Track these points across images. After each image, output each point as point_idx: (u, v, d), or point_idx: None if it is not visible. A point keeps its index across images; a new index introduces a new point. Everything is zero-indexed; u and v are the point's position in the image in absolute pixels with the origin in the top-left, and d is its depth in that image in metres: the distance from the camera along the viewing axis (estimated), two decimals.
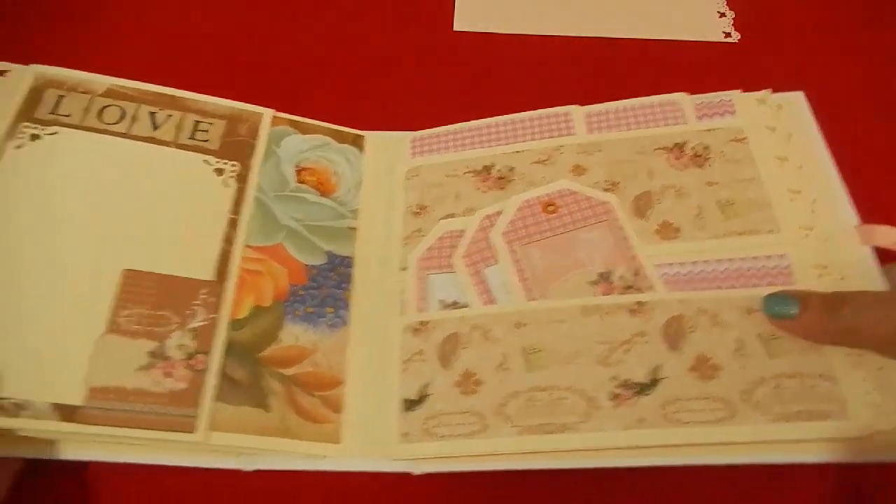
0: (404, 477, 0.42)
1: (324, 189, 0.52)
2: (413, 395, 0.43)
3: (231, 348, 0.43)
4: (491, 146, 0.53)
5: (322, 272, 0.48)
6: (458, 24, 0.64)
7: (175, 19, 0.65)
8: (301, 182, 0.52)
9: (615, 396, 0.40)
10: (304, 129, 0.54)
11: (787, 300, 0.40)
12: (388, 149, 0.55)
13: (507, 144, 0.53)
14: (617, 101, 0.53)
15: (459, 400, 0.42)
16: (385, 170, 0.53)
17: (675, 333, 0.42)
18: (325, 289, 0.47)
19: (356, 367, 0.45)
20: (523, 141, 0.53)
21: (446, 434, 0.41)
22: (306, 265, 0.48)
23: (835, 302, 0.39)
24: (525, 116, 0.54)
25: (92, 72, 0.50)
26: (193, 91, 0.51)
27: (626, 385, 0.41)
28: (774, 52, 0.65)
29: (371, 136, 0.55)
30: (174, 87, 0.50)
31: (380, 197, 0.52)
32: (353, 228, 0.50)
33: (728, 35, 0.67)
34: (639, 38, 0.65)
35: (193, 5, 0.67)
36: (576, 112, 0.53)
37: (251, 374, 0.43)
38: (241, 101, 0.52)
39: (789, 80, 0.53)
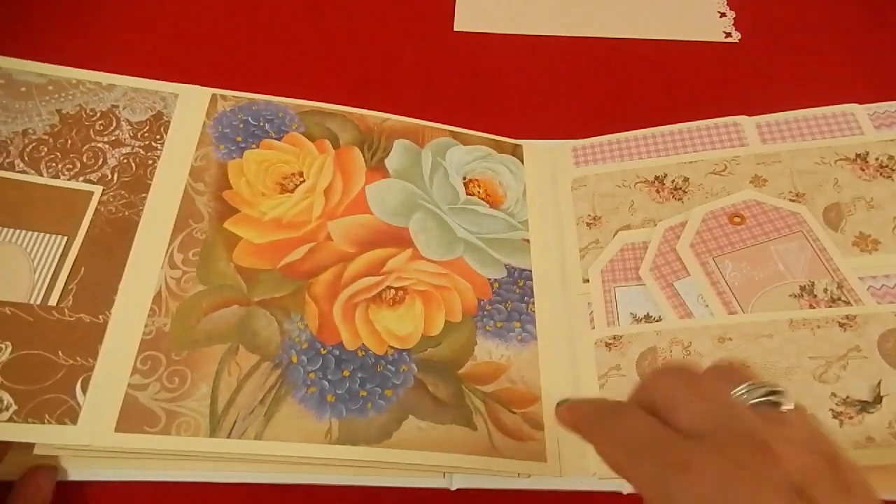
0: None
1: (492, 201, 0.51)
2: None
3: (430, 366, 0.42)
4: (659, 156, 0.52)
5: (504, 286, 0.47)
6: (459, 24, 0.63)
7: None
8: (470, 194, 0.50)
9: (838, 414, 0.39)
10: (464, 140, 0.53)
11: None
12: (547, 158, 0.54)
13: (675, 155, 0.52)
14: (787, 112, 0.52)
15: None
16: (548, 179, 0.53)
17: (893, 348, 0.41)
18: (510, 303, 0.46)
19: (550, 383, 0.44)
20: (693, 151, 0.52)
21: None
22: (488, 279, 0.47)
23: None
24: (692, 126, 0.53)
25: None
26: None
27: (847, 402, 0.40)
28: (775, 52, 0.64)
29: (529, 146, 0.54)
30: None
31: (546, 207, 0.51)
32: (527, 240, 0.49)
33: (728, 35, 0.66)
34: (639, 39, 0.64)
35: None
36: (745, 122, 0.52)
37: (454, 392, 0.42)
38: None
39: (790, 80, 0.54)
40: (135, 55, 0.59)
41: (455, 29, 0.64)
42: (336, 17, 0.65)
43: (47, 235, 0.43)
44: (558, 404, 0.32)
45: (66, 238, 0.43)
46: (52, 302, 0.40)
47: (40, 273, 0.41)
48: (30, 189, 0.44)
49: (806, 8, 0.67)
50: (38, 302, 0.40)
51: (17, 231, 0.43)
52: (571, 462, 0.42)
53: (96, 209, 0.44)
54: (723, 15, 0.67)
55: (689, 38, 0.65)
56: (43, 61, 0.50)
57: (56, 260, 0.42)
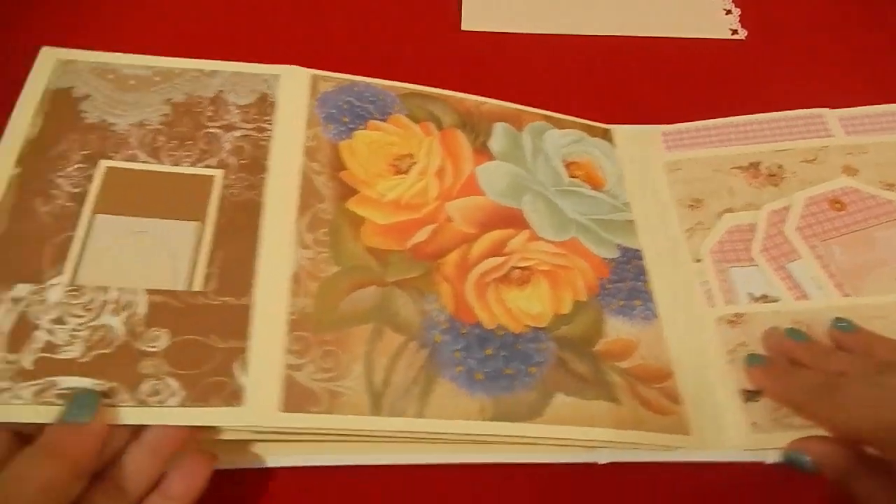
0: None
1: (594, 183, 0.52)
2: (751, 386, 0.43)
3: (567, 343, 0.43)
4: (748, 144, 0.53)
5: (619, 265, 0.48)
6: (466, 24, 0.64)
7: None
8: (573, 176, 0.51)
9: None
10: (557, 124, 0.54)
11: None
12: (637, 142, 0.55)
13: (765, 143, 0.53)
14: (869, 107, 0.55)
15: None
16: (640, 163, 0.54)
17: None
18: (628, 282, 0.47)
19: (679, 359, 0.45)
20: (782, 140, 0.53)
21: (798, 424, 0.41)
22: (603, 259, 0.48)
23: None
24: (778, 116, 0.55)
25: None
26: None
27: None
28: (781, 49, 0.66)
29: (619, 130, 0.55)
30: None
31: (644, 189, 0.52)
32: (631, 221, 0.50)
33: (735, 32, 0.68)
34: (646, 36, 0.64)
35: None
36: (828, 115, 0.54)
37: (593, 368, 0.43)
38: None
39: (797, 77, 0.57)
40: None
41: (462, 28, 0.64)
42: (339, 18, 0.64)
43: (179, 222, 0.42)
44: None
45: (197, 223, 0.42)
46: (197, 287, 0.39)
47: (179, 260, 0.40)
48: (156, 178, 0.44)
49: (811, 5, 0.70)
50: (183, 288, 0.39)
51: (152, 220, 0.42)
52: (710, 435, 0.42)
53: (221, 193, 0.43)
54: (728, 12, 0.69)
55: (694, 35, 0.66)
56: (144, 53, 0.49)
57: (192, 246, 0.41)
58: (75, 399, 0.34)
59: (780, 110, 0.55)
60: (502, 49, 0.62)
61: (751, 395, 0.43)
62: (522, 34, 0.65)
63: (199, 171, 0.44)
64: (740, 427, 0.42)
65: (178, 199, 0.43)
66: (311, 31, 0.63)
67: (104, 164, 0.43)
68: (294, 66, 0.49)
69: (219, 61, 0.49)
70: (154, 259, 0.41)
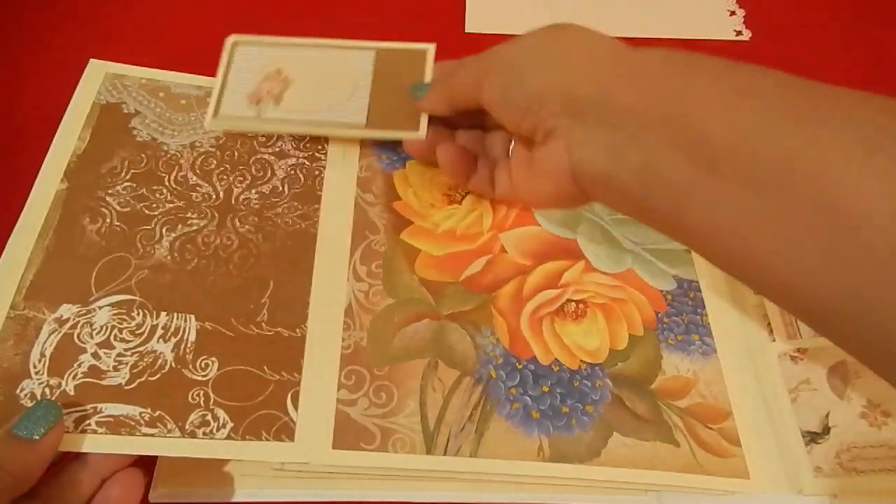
0: None
1: None
2: (814, 427, 0.42)
3: (623, 380, 0.42)
4: None
5: (677, 297, 0.47)
6: (470, 26, 0.63)
7: None
8: None
9: None
10: None
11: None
12: None
13: None
14: None
15: (870, 432, 0.41)
16: None
17: None
18: (685, 315, 0.46)
19: (739, 397, 0.43)
20: None
21: (866, 469, 0.40)
22: (661, 291, 0.46)
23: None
24: None
25: None
26: None
27: None
28: (786, 50, 0.65)
29: None
30: None
31: None
32: (688, 250, 0.49)
33: (739, 33, 0.66)
34: (650, 38, 0.64)
35: None
36: None
37: (651, 407, 0.42)
38: None
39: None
40: None
41: (466, 31, 0.64)
42: (342, 18, 0.64)
43: None
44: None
45: None
46: (248, 316, 0.39)
47: None
48: None
49: (815, 6, 0.68)
50: (235, 317, 0.38)
51: None
52: (771, 479, 0.42)
53: (274, 222, 0.42)
54: (732, 13, 0.67)
55: (699, 36, 0.65)
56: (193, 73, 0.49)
57: None
58: (31, 412, 0.32)
59: None
60: None
61: (814, 437, 0.41)
62: None
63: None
64: (803, 471, 0.41)
65: None
66: (311, 32, 0.61)
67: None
68: None
69: None
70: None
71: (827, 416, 0.42)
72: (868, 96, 0.26)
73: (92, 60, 0.46)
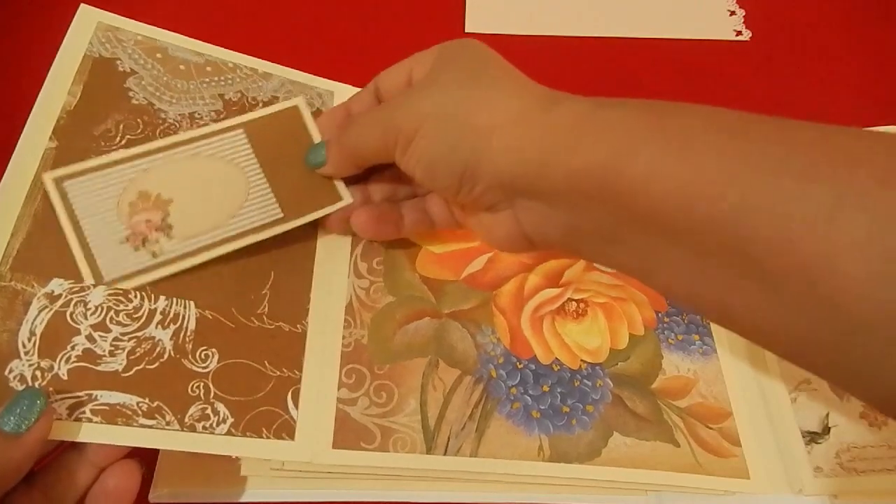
0: None
1: None
2: (814, 428, 0.42)
3: (624, 380, 0.42)
4: None
5: None
6: (470, 26, 0.63)
7: None
8: None
9: None
10: None
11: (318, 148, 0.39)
12: None
13: None
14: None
15: (869, 432, 0.41)
16: None
17: None
18: (686, 315, 0.46)
19: (738, 397, 0.43)
20: None
21: (866, 469, 0.40)
22: None
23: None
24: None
25: None
26: None
27: None
28: (786, 50, 0.65)
29: None
30: None
31: None
32: None
33: (739, 33, 0.66)
34: (651, 38, 0.64)
35: None
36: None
37: (651, 407, 0.41)
38: None
39: (801, 78, 0.55)
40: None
41: (466, 31, 0.63)
42: (344, 18, 0.63)
43: None
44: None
45: None
46: (249, 306, 0.38)
47: None
48: None
49: (815, 6, 0.68)
50: (235, 307, 0.38)
51: None
52: (771, 479, 0.41)
53: None
54: (732, 13, 0.68)
55: (699, 36, 0.65)
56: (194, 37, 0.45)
57: None
58: (15, 403, 0.29)
59: (785, 111, 0.53)
60: (507, 51, 0.61)
61: (814, 437, 0.41)
62: (527, 36, 0.64)
63: None
64: (803, 471, 0.41)
65: None
66: (311, 32, 0.62)
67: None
68: (346, 85, 0.48)
69: (272, 63, 0.47)
70: None
71: (827, 416, 0.42)
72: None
73: (82, 6, 0.40)
